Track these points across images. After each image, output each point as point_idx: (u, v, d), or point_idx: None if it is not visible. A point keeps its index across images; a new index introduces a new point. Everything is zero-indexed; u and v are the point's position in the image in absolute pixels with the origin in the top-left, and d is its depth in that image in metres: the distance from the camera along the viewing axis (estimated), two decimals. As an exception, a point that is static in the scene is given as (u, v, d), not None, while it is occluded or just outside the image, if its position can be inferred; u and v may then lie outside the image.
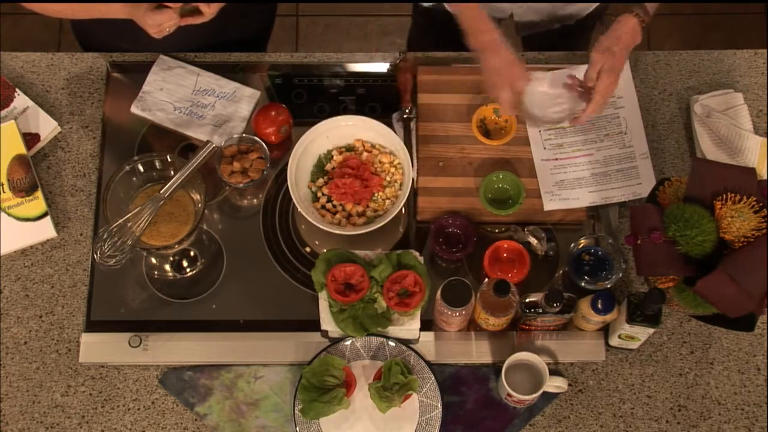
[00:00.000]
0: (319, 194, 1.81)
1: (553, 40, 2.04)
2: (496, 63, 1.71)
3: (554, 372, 1.69)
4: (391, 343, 1.70)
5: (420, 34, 2.29)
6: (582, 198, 1.81)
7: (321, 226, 1.74)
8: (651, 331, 1.62)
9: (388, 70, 1.94)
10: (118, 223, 1.62)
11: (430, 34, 2.16)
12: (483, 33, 1.71)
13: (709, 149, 1.85)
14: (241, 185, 1.79)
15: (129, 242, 1.62)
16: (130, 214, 1.63)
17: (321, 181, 1.81)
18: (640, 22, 1.73)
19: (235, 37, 2.01)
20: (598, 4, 1.98)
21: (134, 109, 1.88)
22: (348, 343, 1.71)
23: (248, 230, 1.81)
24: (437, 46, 1.97)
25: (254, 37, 2.15)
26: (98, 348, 1.71)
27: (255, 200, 1.84)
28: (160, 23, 1.69)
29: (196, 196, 1.71)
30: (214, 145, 1.71)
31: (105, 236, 1.61)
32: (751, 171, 1.58)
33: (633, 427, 1.70)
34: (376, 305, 1.69)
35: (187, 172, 1.67)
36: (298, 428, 1.66)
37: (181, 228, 1.70)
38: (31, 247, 1.80)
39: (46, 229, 1.79)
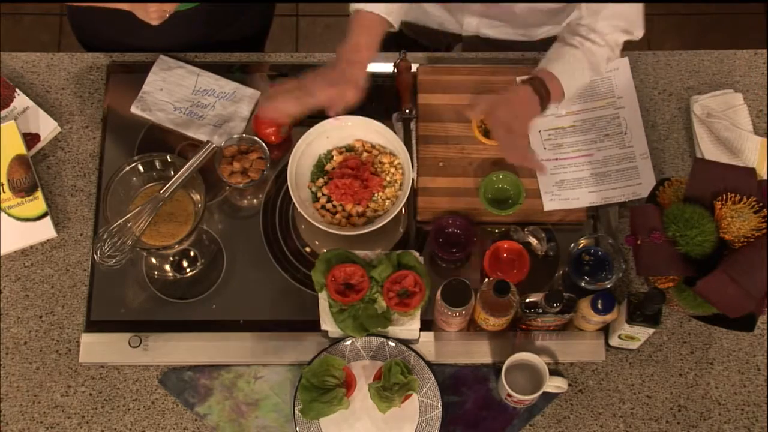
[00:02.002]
0: (319, 194, 1.81)
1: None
2: (338, 77, 1.64)
3: (554, 372, 1.69)
4: (391, 343, 1.70)
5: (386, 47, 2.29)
6: (582, 198, 1.81)
7: (321, 227, 1.74)
8: (651, 331, 1.62)
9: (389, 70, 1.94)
10: (118, 223, 1.62)
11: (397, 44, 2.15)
12: (358, 50, 1.65)
13: (709, 149, 1.85)
14: (240, 185, 1.79)
15: (129, 242, 1.62)
16: (129, 215, 1.63)
17: (321, 181, 1.81)
18: (538, 95, 1.67)
19: (233, 37, 2.01)
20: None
21: (134, 109, 1.88)
22: (348, 343, 1.71)
23: (248, 230, 1.81)
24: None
25: (253, 36, 2.15)
26: (98, 348, 1.71)
27: (255, 200, 1.84)
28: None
29: (196, 196, 1.71)
30: (213, 145, 1.71)
31: (105, 236, 1.61)
32: (751, 171, 1.58)
33: (633, 427, 1.70)
34: (376, 305, 1.69)
35: (187, 172, 1.68)
36: (298, 428, 1.66)
37: (181, 228, 1.70)
38: (31, 247, 1.80)
39: (46, 229, 1.79)
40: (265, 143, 1.82)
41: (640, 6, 1.70)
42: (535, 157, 1.78)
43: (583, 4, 1.69)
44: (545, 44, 1.80)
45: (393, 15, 1.68)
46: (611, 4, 1.67)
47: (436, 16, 1.99)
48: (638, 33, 1.72)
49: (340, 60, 1.66)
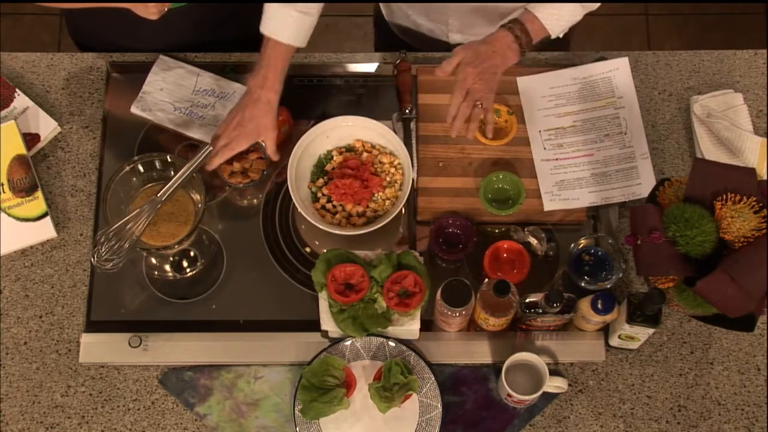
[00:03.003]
0: (319, 194, 1.81)
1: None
2: (258, 118, 1.73)
3: (554, 372, 1.69)
4: (391, 343, 1.70)
5: (383, 47, 2.29)
6: (582, 198, 1.81)
7: (321, 227, 1.74)
8: (651, 331, 1.62)
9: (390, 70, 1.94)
10: (115, 226, 1.62)
11: (391, 46, 2.15)
12: (263, 86, 1.72)
13: (709, 149, 1.85)
14: (241, 185, 1.79)
15: (126, 246, 1.62)
16: (127, 218, 1.63)
17: (321, 181, 1.81)
18: (518, 42, 1.69)
19: (231, 36, 2.01)
20: None
21: (134, 109, 1.88)
22: (348, 343, 1.71)
23: (248, 230, 1.81)
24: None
25: (252, 35, 2.15)
26: (98, 348, 1.71)
27: (255, 200, 1.84)
28: None
29: (196, 197, 1.71)
30: (211, 148, 1.71)
31: (102, 240, 1.61)
32: (751, 171, 1.58)
33: (633, 427, 1.70)
34: (376, 305, 1.69)
35: (185, 175, 1.67)
36: (298, 428, 1.66)
37: (181, 228, 1.70)
38: (31, 247, 1.80)
39: (46, 230, 1.79)
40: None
41: None
42: (458, 126, 1.73)
43: None
44: (545, 43, 1.80)
45: (301, 39, 1.73)
46: None
47: (425, 27, 2.00)
48: None
49: (249, 97, 1.74)
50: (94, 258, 1.62)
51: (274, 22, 1.71)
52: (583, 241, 1.74)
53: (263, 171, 1.80)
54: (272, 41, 1.72)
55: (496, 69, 1.69)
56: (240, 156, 1.80)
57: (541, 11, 1.69)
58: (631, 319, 1.60)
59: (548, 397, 1.70)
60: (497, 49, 1.69)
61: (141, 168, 1.71)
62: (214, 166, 1.75)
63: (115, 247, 1.61)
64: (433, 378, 1.68)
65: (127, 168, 1.70)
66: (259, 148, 1.81)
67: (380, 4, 2.12)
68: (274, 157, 1.78)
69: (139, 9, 1.69)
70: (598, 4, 1.73)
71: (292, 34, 1.71)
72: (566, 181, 1.83)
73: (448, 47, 1.99)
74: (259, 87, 1.73)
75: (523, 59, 1.74)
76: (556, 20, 1.70)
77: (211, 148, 1.73)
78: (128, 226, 1.62)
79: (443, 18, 1.93)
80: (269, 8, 1.71)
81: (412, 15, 2.00)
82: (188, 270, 1.78)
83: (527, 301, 1.63)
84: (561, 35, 1.74)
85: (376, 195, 1.79)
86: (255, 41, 2.23)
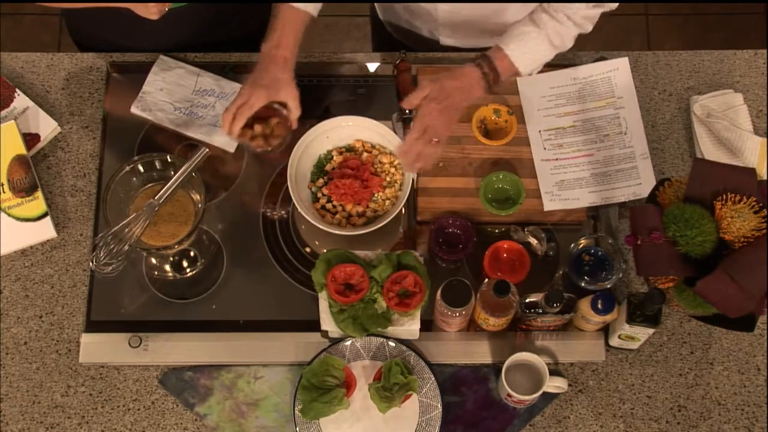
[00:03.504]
0: (319, 194, 1.81)
1: None
2: (274, 73, 1.68)
3: (554, 372, 1.69)
4: (391, 344, 1.70)
5: (380, 47, 2.30)
6: (582, 198, 1.81)
7: (321, 227, 1.74)
8: (651, 331, 1.62)
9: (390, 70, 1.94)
10: (113, 230, 1.62)
11: (388, 45, 2.15)
12: (279, 46, 1.69)
13: (709, 149, 1.85)
14: (260, 150, 1.74)
15: (125, 249, 1.61)
16: (125, 221, 1.63)
17: (321, 181, 1.81)
18: (484, 78, 1.68)
19: (231, 36, 2.01)
20: None
21: (134, 110, 1.88)
22: (348, 343, 1.71)
23: (248, 230, 1.81)
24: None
25: (251, 35, 2.15)
26: (98, 348, 1.71)
27: (255, 200, 1.84)
28: None
29: (196, 197, 1.71)
30: (207, 150, 1.70)
31: (101, 244, 1.61)
32: (751, 171, 1.58)
33: (633, 427, 1.70)
34: (376, 305, 1.69)
35: (181, 177, 1.67)
36: (298, 428, 1.66)
37: (181, 228, 1.70)
38: (31, 247, 1.80)
39: (46, 230, 1.79)
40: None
41: None
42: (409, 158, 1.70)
43: None
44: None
45: (312, 6, 1.71)
46: None
47: (417, 28, 2.00)
48: (611, 4, 1.68)
49: (263, 59, 1.70)
50: (92, 262, 1.62)
51: None
52: (583, 241, 1.74)
53: (285, 137, 1.76)
54: (285, 7, 1.69)
55: (459, 105, 1.68)
56: (261, 120, 1.74)
57: (512, 49, 1.68)
58: (631, 319, 1.60)
59: (548, 397, 1.70)
60: (463, 85, 1.68)
61: (141, 168, 1.71)
62: (236, 132, 1.69)
63: (114, 250, 1.61)
64: (433, 378, 1.68)
65: (127, 168, 1.70)
66: (279, 113, 1.74)
67: (375, 3, 2.12)
68: (297, 112, 1.72)
69: (139, 9, 1.69)
70: (570, 45, 1.73)
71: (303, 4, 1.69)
72: (566, 181, 1.83)
73: (441, 48, 1.99)
74: (273, 47, 1.69)
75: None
76: (527, 59, 1.69)
77: (207, 150, 1.71)
78: (126, 230, 1.62)
79: (433, 23, 1.93)
80: None
81: (404, 15, 2.00)
82: (188, 270, 1.78)
83: (527, 301, 1.63)
84: (532, 73, 1.73)
85: (376, 195, 1.79)
86: (255, 41, 2.22)
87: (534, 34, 1.68)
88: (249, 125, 1.73)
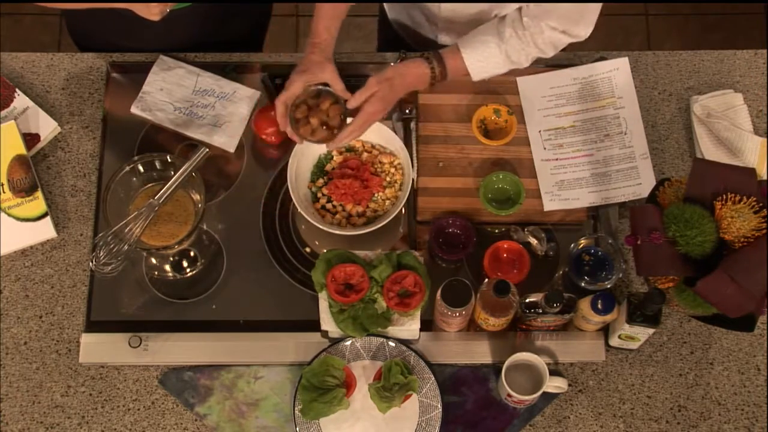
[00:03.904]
0: (319, 195, 1.81)
1: None
2: (307, 64, 1.71)
3: (554, 372, 1.69)
4: (391, 344, 1.70)
5: (386, 47, 2.30)
6: (582, 198, 1.81)
7: (321, 227, 1.74)
8: (651, 331, 1.62)
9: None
10: (113, 230, 1.62)
11: (393, 47, 2.16)
12: (318, 34, 1.73)
13: (709, 149, 1.85)
14: (325, 141, 1.72)
15: (124, 249, 1.61)
16: (125, 221, 1.63)
17: (321, 181, 1.81)
18: (431, 75, 1.73)
19: (231, 37, 2.01)
20: None
21: (134, 109, 1.88)
22: (348, 343, 1.71)
23: (248, 230, 1.81)
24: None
25: (251, 36, 2.15)
26: (98, 348, 1.71)
27: (255, 200, 1.84)
28: None
29: (196, 197, 1.71)
30: (207, 151, 1.70)
31: (101, 244, 1.61)
32: (751, 171, 1.58)
33: (633, 427, 1.70)
34: (376, 305, 1.69)
35: (181, 177, 1.67)
36: (298, 428, 1.66)
37: (181, 228, 1.70)
38: (31, 247, 1.80)
39: (46, 230, 1.79)
40: (267, 143, 1.82)
41: (588, 6, 1.67)
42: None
43: (529, 5, 1.69)
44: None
45: None
46: (554, 6, 1.66)
47: (419, 24, 2.00)
48: (581, 33, 1.70)
49: (305, 50, 1.73)
50: (92, 263, 1.62)
51: None
52: (583, 241, 1.74)
53: (342, 115, 1.72)
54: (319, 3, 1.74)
55: (398, 97, 1.74)
56: (312, 110, 1.72)
57: (469, 54, 1.72)
58: (631, 319, 1.60)
59: (548, 397, 1.70)
60: (409, 82, 1.73)
61: (141, 168, 1.71)
62: (286, 127, 1.71)
63: (114, 250, 1.61)
64: (433, 378, 1.68)
65: (127, 168, 1.70)
66: (327, 95, 1.73)
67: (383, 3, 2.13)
68: (346, 95, 1.71)
69: (140, 10, 1.69)
70: (527, 65, 1.76)
71: None
72: (566, 181, 1.83)
73: (438, 47, 1.99)
74: (308, 40, 1.74)
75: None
76: (480, 66, 1.74)
77: (207, 150, 1.71)
78: (126, 230, 1.62)
79: (434, 24, 1.94)
80: None
81: (409, 13, 2.00)
82: (188, 270, 1.78)
83: (527, 301, 1.63)
84: (482, 79, 1.77)
85: (376, 195, 1.79)
86: (256, 41, 2.23)
87: (493, 46, 1.71)
88: (306, 121, 1.72)
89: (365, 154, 1.83)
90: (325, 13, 1.75)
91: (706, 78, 1.94)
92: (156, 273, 1.78)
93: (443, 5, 1.84)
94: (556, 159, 1.85)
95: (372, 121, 1.71)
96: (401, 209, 1.79)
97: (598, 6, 1.67)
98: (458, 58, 1.73)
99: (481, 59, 1.72)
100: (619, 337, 1.67)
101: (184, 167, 1.67)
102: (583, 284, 1.72)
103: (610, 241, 1.74)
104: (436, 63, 1.73)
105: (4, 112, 1.87)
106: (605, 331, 1.73)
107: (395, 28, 2.11)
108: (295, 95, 1.70)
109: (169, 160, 1.71)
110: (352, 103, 1.70)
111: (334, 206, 1.79)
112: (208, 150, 1.71)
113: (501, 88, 1.89)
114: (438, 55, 1.73)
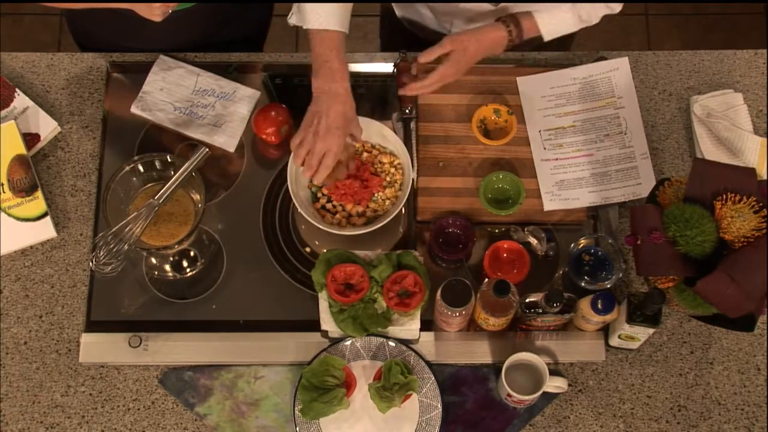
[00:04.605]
0: (319, 195, 1.81)
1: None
2: (343, 110, 1.68)
3: (554, 372, 1.69)
4: (391, 343, 1.70)
5: (388, 42, 2.29)
6: (582, 198, 1.81)
7: (321, 227, 1.74)
8: (651, 331, 1.62)
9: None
10: (113, 230, 1.62)
11: (397, 40, 2.15)
12: (340, 80, 1.68)
13: (709, 149, 1.85)
14: (347, 171, 1.76)
15: (124, 249, 1.61)
16: (125, 221, 1.63)
17: (321, 181, 1.81)
18: (509, 38, 1.74)
19: (231, 37, 2.01)
20: None
21: (134, 109, 1.88)
22: (348, 343, 1.71)
23: (248, 230, 1.81)
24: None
25: (251, 36, 2.15)
26: (98, 348, 1.71)
27: (255, 200, 1.84)
28: None
29: (196, 197, 1.71)
30: (207, 150, 1.71)
31: (101, 243, 1.61)
32: (751, 171, 1.58)
33: (633, 427, 1.70)
34: (376, 305, 1.69)
35: (181, 177, 1.67)
36: (298, 428, 1.66)
37: (181, 228, 1.70)
38: (31, 247, 1.80)
39: (46, 229, 1.79)
40: (267, 143, 1.82)
41: None
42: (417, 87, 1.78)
43: None
44: (544, 43, 1.81)
45: (347, 23, 1.71)
46: None
47: (429, 19, 2.00)
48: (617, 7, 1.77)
49: (322, 94, 1.69)
50: (92, 263, 1.62)
51: (316, 14, 1.67)
52: (583, 241, 1.74)
53: (352, 149, 1.78)
54: (320, 35, 1.68)
55: (471, 63, 1.76)
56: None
57: (543, 16, 1.74)
58: (631, 319, 1.60)
59: (548, 397, 1.70)
60: (486, 46, 1.74)
61: (141, 168, 1.71)
62: (325, 181, 1.72)
63: (114, 250, 1.61)
64: (433, 378, 1.68)
65: (127, 168, 1.70)
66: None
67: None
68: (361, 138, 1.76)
69: (142, 10, 1.69)
70: (596, 22, 1.78)
71: (339, 20, 1.68)
72: (566, 181, 1.83)
73: None
74: (330, 81, 1.68)
75: (524, 59, 1.75)
76: (552, 27, 1.76)
77: (207, 150, 1.71)
78: (126, 230, 1.62)
79: (449, 18, 1.93)
80: (307, 5, 1.68)
81: (421, 9, 2.00)
82: (188, 270, 1.78)
83: (527, 301, 1.63)
84: (552, 38, 1.79)
85: (376, 195, 1.79)
86: (256, 42, 2.22)
87: (566, 8, 1.74)
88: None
89: (365, 154, 1.83)
90: (335, 45, 1.69)
91: (706, 78, 1.94)
92: (156, 273, 1.78)
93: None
94: (556, 159, 1.85)
95: (443, 82, 1.74)
96: (401, 209, 1.79)
97: None
98: (531, 20, 1.75)
99: (554, 20, 1.75)
100: (619, 337, 1.67)
101: (184, 167, 1.67)
102: (583, 284, 1.72)
103: (610, 241, 1.74)
104: (513, 26, 1.74)
105: (4, 112, 1.87)
106: (605, 331, 1.73)
107: (404, 24, 2.10)
108: (338, 157, 1.69)
109: (169, 160, 1.71)
110: (423, 58, 1.73)
111: (334, 206, 1.79)
112: (208, 150, 1.71)
113: (501, 88, 1.89)
114: (514, 18, 1.75)
